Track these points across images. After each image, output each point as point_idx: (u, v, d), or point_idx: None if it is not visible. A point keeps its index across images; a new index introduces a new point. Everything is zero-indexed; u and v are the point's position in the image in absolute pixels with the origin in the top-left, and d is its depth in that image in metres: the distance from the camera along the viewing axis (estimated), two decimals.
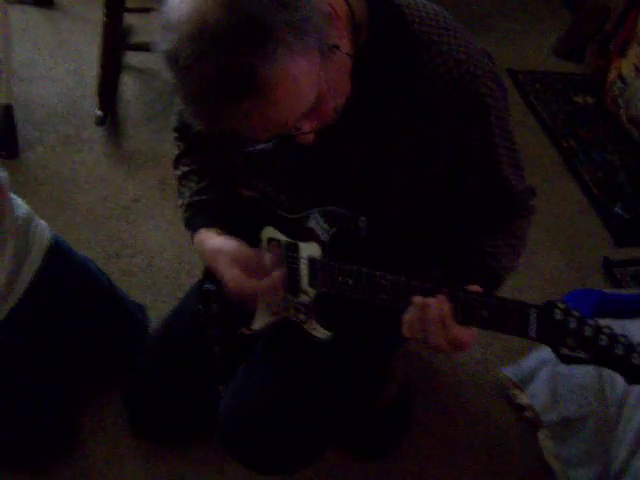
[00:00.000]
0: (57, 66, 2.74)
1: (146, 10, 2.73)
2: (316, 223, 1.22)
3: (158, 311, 1.88)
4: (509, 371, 1.88)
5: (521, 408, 1.84)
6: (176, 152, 1.44)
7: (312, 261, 1.24)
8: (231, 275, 1.22)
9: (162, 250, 2.13)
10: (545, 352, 1.80)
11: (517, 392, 1.85)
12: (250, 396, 1.36)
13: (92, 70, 2.61)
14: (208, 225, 1.31)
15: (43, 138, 2.42)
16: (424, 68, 1.08)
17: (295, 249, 1.26)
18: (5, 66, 2.26)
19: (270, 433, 1.35)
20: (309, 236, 1.23)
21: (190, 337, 1.49)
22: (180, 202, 1.39)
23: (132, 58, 2.80)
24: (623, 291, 2.16)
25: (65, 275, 1.58)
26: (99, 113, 2.45)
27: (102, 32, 2.42)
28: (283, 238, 1.29)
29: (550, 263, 2.33)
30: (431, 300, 1.06)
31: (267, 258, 1.24)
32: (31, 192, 2.21)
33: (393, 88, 1.10)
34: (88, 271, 1.66)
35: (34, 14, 2.99)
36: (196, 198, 1.36)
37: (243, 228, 1.31)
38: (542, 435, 1.77)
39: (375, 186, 1.18)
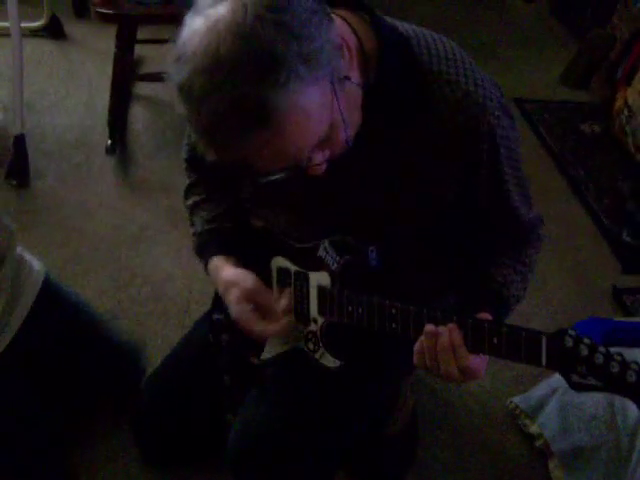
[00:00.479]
0: (68, 96, 2.78)
1: (157, 41, 2.77)
2: (326, 252, 1.22)
3: (168, 340, 1.87)
4: (519, 400, 1.87)
5: (531, 437, 1.83)
6: (187, 182, 1.45)
7: (322, 290, 1.24)
8: (241, 311, 1.23)
9: (171, 279, 2.13)
10: (555, 381, 1.79)
11: (527, 421, 1.84)
12: (259, 425, 1.35)
13: (103, 100, 2.65)
14: (221, 253, 1.32)
15: (54, 167, 2.44)
16: (433, 99, 1.09)
17: (305, 278, 1.26)
18: (18, 97, 2.30)
19: (279, 462, 1.34)
20: (319, 265, 1.24)
21: (199, 366, 1.48)
22: (192, 231, 1.40)
23: (143, 88, 2.84)
24: (633, 319, 2.15)
25: (54, 318, 1.57)
26: (109, 142, 2.47)
27: (113, 63, 2.46)
28: (293, 267, 1.29)
29: (559, 291, 2.33)
30: (442, 328, 1.06)
31: (281, 302, 1.25)
32: (41, 220, 2.23)
33: (403, 119, 1.11)
34: (78, 313, 1.65)
35: (47, 46, 3.05)
36: (208, 227, 1.37)
37: (253, 257, 1.32)
38: (552, 465, 1.75)
39: (384, 216, 1.19)
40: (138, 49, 2.77)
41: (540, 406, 1.80)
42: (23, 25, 2.84)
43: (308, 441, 1.35)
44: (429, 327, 1.07)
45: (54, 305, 1.58)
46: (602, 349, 0.93)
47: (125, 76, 2.52)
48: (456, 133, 1.10)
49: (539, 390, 1.83)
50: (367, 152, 1.11)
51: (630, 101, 2.89)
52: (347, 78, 1.00)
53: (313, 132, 0.96)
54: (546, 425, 1.76)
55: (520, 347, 1.01)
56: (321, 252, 1.23)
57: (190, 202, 1.42)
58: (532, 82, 3.32)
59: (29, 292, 1.52)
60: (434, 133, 1.11)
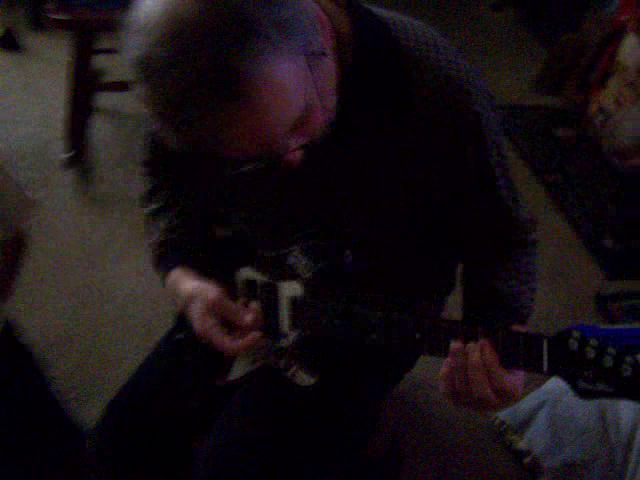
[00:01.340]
0: (24, 110, 2.71)
1: (115, 51, 2.66)
2: (297, 260, 1.13)
3: (130, 363, 1.76)
4: (505, 415, 1.79)
5: (520, 454, 1.75)
6: (145, 188, 1.34)
7: (293, 302, 1.14)
8: (205, 326, 1.13)
9: (134, 298, 2.05)
10: (543, 393, 1.72)
11: (514, 437, 1.76)
12: (226, 457, 1.23)
13: (61, 113, 2.56)
14: (181, 265, 1.21)
15: None
16: (414, 85, 1.00)
17: (274, 289, 1.17)
18: None
19: None
20: (290, 274, 1.14)
21: (162, 391, 1.35)
22: (149, 241, 1.29)
23: (103, 101, 2.75)
24: (619, 325, 2.08)
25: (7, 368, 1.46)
26: (66, 156, 2.38)
27: (69, 72, 2.35)
28: (260, 278, 1.19)
29: (542, 300, 2.21)
30: (472, 345, 0.95)
31: (247, 317, 1.14)
32: None
33: (383, 106, 1.02)
34: (35, 373, 1.54)
35: (2, 59, 2.96)
36: (168, 236, 1.26)
37: (217, 270, 1.22)
38: None
39: (363, 215, 1.09)
40: (99, 60, 2.66)
41: (528, 421, 1.72)
42: None
43: (280, 468, 1.22)
44: (456, 345, 0.96)
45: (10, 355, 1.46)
46: (611, 350, 0.83)
47: (83, 86, 2.42)
48: (439, 121, 1.01)
49: (526, 403, 1.75)
50: (344, 144, 1.03)
51: (603, 104, 2.85)
52: (323, 54, 0.90)
53: (288, 111, 0.85)
54: (535, 441, 1.68)
55: (518, 354, 0.91)
56: (291, 260, 1.14)
57: (149, 210, 1.31)
58: (503, 89, 3.28)
59: None
60: (415, 122, 1.01)
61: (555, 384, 1.68)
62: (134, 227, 2.24)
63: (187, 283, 1.18)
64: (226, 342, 1.12)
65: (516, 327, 1.05)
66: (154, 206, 1.30)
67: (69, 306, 1.97)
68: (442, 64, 1.00)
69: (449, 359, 0.97)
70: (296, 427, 1.24)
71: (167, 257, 1.24)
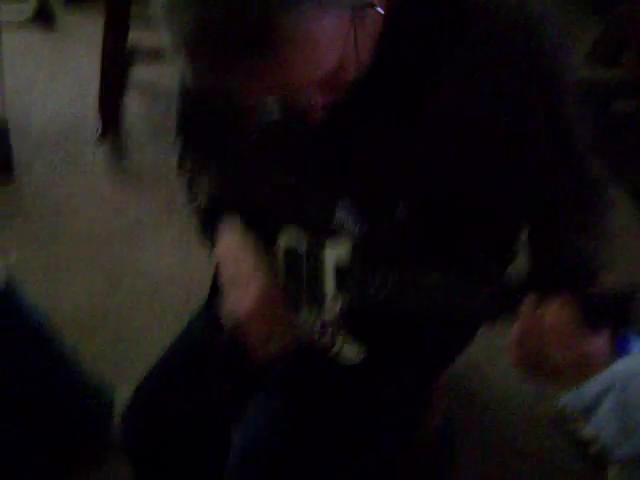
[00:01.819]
0: (58, 87, 2.67)
1: (149, 23, 2.59)
2: (343, 219, 1.02)
3: (163, 343, 1.67)
4: (568, 400, 1.68)
5: (585, 443, 1.64)
6: (179, 152, 1.25)
7: (339, 269, 1.04)
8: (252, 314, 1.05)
9: (168, 276, 1.98)
10: (610, 376, 1.59)
11: (579, 424, 1.65)
12: (265, 439, 1.15)
13: (94, 90, 2.50)
14: (233, 227, 1.13)
15: (41, 159, 2.32)
16: (473, 23, 0.89)
17: (317, 257, 1.07)
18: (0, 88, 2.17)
19: None
20: (336, 236, 1.04)
21: (194, 372, 1.28)
22: (192, 203, 1.20)
23: (137, 77, 2.69)
24: None
25: (6, 330, 1.39)
26: (99, 131, 2.32)
27: (102, 45, 2.29)
28: (302, 245, 1.09)
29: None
30: (549, 305, 0.84)
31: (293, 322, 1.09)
32: (26, 215, 2.11)
33: (435, 51, 0.92)
34: (38, 334, 1.47)
35: (36, 36, 2.93)
36: (212, 197, 1.18)
37: (260, 233, 1.13)
38: (612, 473, 1.57)
39: (412, 167, 0.98)
40: (133, 35, 2.59)
41: (594, 406, 1.61)
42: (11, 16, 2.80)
43: (325, 456, 1.14)
44: (529, 304, 0.85)
45: (9, 316, 1.39)
46: None
47: (117, 59, 2.35)
48: (505, 63, 0.90)
49: (591, 387, 1.63)
50: (392, 94, 0.93)
51: None
52: (371, 5, 0.81)
53: (319, 68, 0.78)
54: (603, 427, 1.57)
55: (603, 311, 0.81)
56: (338, 219, 1.03)
57: (186, 172, 1.23)
58: None
59: None
60: (477, 65, 0.91)
61: (624, 365, 1.55)
62: (168, 204, 2.17)
63: (253, 256, 1.09)
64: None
65: (598, 285, 0.92)
66: (193, 167, 1.22)
67: (101, 285, 1.92)
68: None
69: (520, 321, 0.85)
70: (341, 410, 1.14)
71: (218, 216, 1.15)
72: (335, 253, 1.04)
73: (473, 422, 1.70)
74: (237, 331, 1.09)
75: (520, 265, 1.13)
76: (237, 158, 1.18)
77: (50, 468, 1.48)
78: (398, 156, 0.98)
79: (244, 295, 1.06)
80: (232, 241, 1.11)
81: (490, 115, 0.94)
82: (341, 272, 1.03)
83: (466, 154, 0.97)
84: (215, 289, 1.22)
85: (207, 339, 1.23)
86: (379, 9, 0.82)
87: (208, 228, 1.17)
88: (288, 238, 1.12)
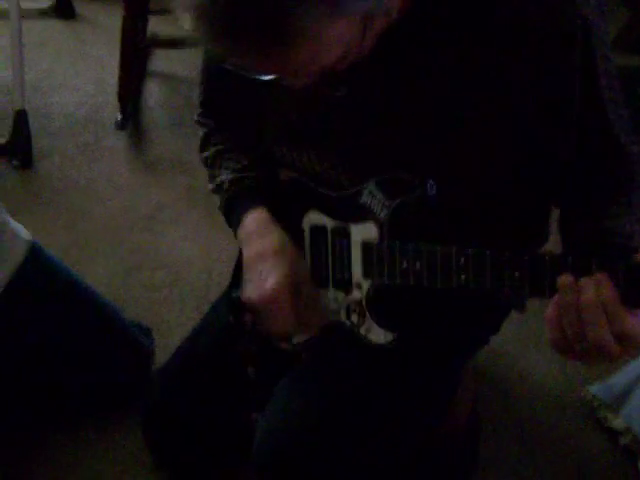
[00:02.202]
0: (78, 75, 2.63)
1: (168, 12, 2.57)
2: (371, 197, 0.99)
3: (185, 329, 1.65)
4: (597, 389, 1.61)
5: (615, 433, 1.57)
6: (203, 132, 1.22)
7: (367, 246, 1.00)
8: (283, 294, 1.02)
9: (189, 262, 1.93)
10: None
11: (608, 414, 1.58)
12: (292, 422, 1.11)
13: (114, 78, 2.47)
14: (259, 206, 1.10)
15: (61, 146, 2.28)
16: None
17: (345, 233, 1.03)
18: (18, 72, 2.14)
19: (317, 467, 1.10)
20: (363, 215, 1.00)
21: (218, 356, 1.27)
22: (212, 186, 1.17)
23: (156, 64, 2.68)
24: None
25: (43, 290, 1.41)
26: (119, 117, 2.29)
27: (121, 30, 2.26)
28: (330, 223, 1.05)
29: None
30: (585, 280, 0.80)
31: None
32: (46, 202, 2.08)
33: (464, 19, 0.88)
34: (73, 290, 1.47)
35: (56, 26, 2.90)
36: (238, 176, 1.14)
37: (283, 216, 1.10)
38: None
39: (441, 140, 0.95)
40: (152, 24, 2.57)
41: (624, 396, 1.54)
42: (32, 5, 2.78)
43: (352, 440, 1.11)
44: (566, 279, 0.81)
45: (43, 277, 1.41)
46: None
47: (136, 45, 2.33)
48: (540, 33, 0.87)
49: (621, 377, 1.57)
50: (419, 65, 0.91)
51: None
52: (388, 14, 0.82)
53: (320, 61, 0.80)
54: (635, 418, 1.50)
55: None
56: (365, 198, 1.00)
57: (209, 153, 1.19)
58: None
59: (12, 259, 1.35)
60: (509, 36, 0.88)
61: None
62: (188, 191, 2.13)
63: (281, 235, 1.07)
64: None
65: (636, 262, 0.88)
66: (217, 147, 1.19)
67: (121, 271, 1.88)
68: None
69: (557, 297, 0.81)
70: (370, 392, 1.11)
71: (243, 196, 1.13)
72: (362, 230, 1.00)
73: (498, 411, 1.64)
74: (261, 313, 1.05)
75: (552, 246, 1.09)
76: (260, 133, 1.15)
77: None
78: (429, 128, 0.94)
79: (270, 271, 1.03)
80: (257, 219, 1.08)
81: (527, 85, 0.90)
82: (369, 250, 1.00)
83: (499, 127, 0.94)
84: (239, 273, 1.19)
85: (230, 323, 1.20)
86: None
87: (233, 208, 1.14)
88: (314, 215, 1.09)
